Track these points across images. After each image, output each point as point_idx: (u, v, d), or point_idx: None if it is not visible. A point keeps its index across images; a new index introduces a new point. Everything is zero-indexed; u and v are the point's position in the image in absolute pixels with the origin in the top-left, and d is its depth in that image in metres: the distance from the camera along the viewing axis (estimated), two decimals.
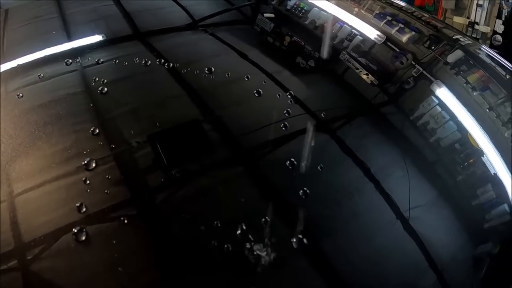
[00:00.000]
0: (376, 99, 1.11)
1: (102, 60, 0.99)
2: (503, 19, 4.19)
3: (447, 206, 0.90)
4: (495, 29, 4.34)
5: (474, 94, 1.20)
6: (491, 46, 4.46)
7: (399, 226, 0.79)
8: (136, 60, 1.01)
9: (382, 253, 0.75)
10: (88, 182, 0.73)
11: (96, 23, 1.14)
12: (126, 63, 1.01)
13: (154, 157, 0.79)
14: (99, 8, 1.21)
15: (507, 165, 0.99)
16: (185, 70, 1.00)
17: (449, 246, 0.81)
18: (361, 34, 1.32)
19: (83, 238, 0.67)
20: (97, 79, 0.93)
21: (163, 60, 1.00)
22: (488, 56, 1.42)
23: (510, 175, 0.97)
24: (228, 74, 1.04)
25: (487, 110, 1.15)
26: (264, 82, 1.04)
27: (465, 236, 0.86)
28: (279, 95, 1.00)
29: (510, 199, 0.92)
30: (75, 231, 0.67)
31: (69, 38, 1.06)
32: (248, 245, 0.70)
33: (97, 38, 1.05)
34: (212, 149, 0.84)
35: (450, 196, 0.92)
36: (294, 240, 0.73)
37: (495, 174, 0.97)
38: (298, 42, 1.23)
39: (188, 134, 0.85)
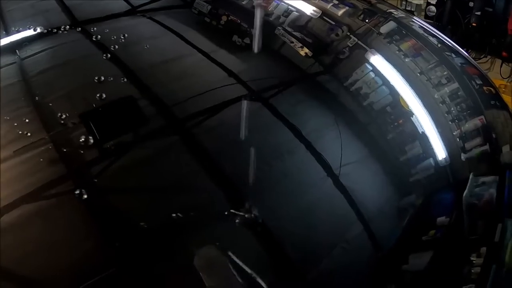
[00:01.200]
0: (311, 69, 1.14)
1: (39, 50, 1.00)
2: None
3: (377, 162, 0.95)
4: (428, 1, 4.52)
5: (406, 60, 1.26)
6: (426, 17, 4.65)
7: (330, 183, 0.83)
8: (74, 47, 1.03)
9: (312, 208, 0.79)
10: (26, 164, 0.75)
11: (34, 18, 1.13)
12: (64, 51, 1.03)
13: (88, 134, 0.79)
14: (37, 4, 1.20)
15: (435, 123, 1.05)
16: (122, 52, 1.00)
17: (377, 199, 0.86)
18: (297, 10, 1.36)
19: (24, 217, 0.68)
20: (34, 68, 0.95)
21: (100, 44, 1.01)
22: (420, 27, 1.48)
23: (437, 132, 1.03)
24: (164, 54, 1.05)
25: (418, 74, 1.21)
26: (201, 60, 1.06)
27: (392, 189, 0.91)
28: (214, 71, 1.02)
29: (435, 154, 0.98)
30: (16, 210, 0.68)
31: (8, 34, 1.05)
32: (183, 211, 0.71)
33: (35, 31, 1.04)
34: (146, 121, 0.86)
35: (380, 153, 0.97)
36: (226, 202, 0.76)
37: (423, 132, 1.03)
38: (234, 20, 1.24)
39: (120, 110, 0.87)
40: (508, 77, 4.26)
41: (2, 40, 1.01)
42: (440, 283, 0.76)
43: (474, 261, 0.77)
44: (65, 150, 0.80)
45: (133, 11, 1.21)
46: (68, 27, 1.06)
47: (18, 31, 1.05)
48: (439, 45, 1.44)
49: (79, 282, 0.62)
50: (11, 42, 1.02)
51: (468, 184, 0.91)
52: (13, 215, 0.69)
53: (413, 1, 4.75)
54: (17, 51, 0.98)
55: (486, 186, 0.91)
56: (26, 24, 1.06)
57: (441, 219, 0.85)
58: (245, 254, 0.69)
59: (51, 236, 0.68)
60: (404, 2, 4.85)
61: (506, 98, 3.80)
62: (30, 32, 1.03)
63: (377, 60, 1.21)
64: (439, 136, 1.04)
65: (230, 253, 0.67)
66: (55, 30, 1.04)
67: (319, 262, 0.73)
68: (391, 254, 0.79)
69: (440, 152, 1.01)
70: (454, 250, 0.82)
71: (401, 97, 1.11)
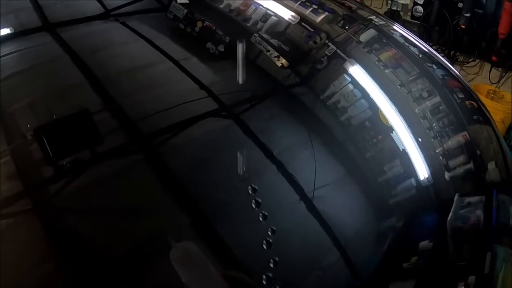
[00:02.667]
0: (286, 81, 1.12)
1: (6, 53, 0.98)
2: None
3: (354, 183, 0.92)
4: (415, 1, 4.54)
5: (386, 71, 1.24)
6: (413, 18, 4.67)
7: (302, 207, 0.80)
8: (41, 51, 1.01)
9: (283, 234, 0.75)
10: None
11: (5, 17, 1.10)
12: (30, 55, 1.01)
13: (43, 150, 0.77)
14: (10, 3, 1.17)
15: (416, 140, 1.03)
16: (90, 59, 1.00)
17: (354, 223, 0.83)
18: (276, 15, 1.34)
19: None
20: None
21: (69, 49, 1.01)
22: (401, 36, 1.48)
23: (418, 150, 1.00)
24: (133, 62, 1.04)
25: (399, 87, 1.19)
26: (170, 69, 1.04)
27: (370, 212, 0.88)
28: (183, 82, 1.00)
29: (417, 173, 0.96)
30: None
31: None
32: (146, 233, 0.70)
33: (4, 31, 1.03)
34: (104, 137, 0.83)
35: (357, 173, 0.94)
36: (190, 226, 0.74)
37: (404, 149, 1.00)
38: (209, 27, 1.23)
39: (78, 124, 0.84)
40: (497, 82, 4.29)
41: None
42: None
43: None
44: (23, 165, 0.78)
45: (106, 15, 1.19)
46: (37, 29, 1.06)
47: None
48: (420, 55, 1.43)
49: None
50: None
51: (453, 206, 0.89)
52: None
53: (399, 1, 4.78)
54: None
55: (472, 207, 0.88)
56: None
57: (423, 244, 0.82)
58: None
59: (6, 257, 0.65)
60: (389, 2, 4.88)
61: (493, 104, 3.85)
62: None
63: (356, 71, 1.19)
64: (421, 154, 1.01)
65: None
66: (25, 32, 1.04)
67: None
68: (369, 282, 0.77)
69: (422, 171, 0.98)
70: (438, 278, 0.79)
71: (381, 111, 1.09)
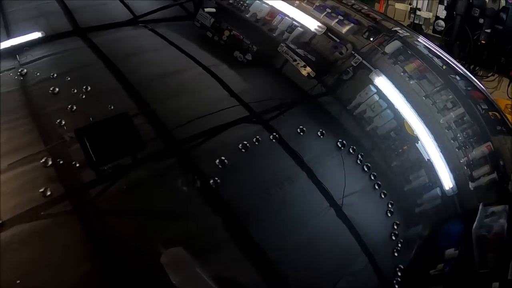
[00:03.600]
0: (314, 90, 1.13)
1: (39, 56, 1.00)
2: (445, 4, 4.41)
3: (381, 192, 0.93)
4: (437, 15, 4.54)
5: (411, 82, 1.26)
6: (434, 32, 4.66)
7: (332, 214, 0.82)
8: (74, 56, 1.03)
9: (314, 240, 0.78)
10: (21, 178, 0.74)
11: (36, 20, 1.14)
12: (63, 59, 1.02)
13: (85, 153, 0.79)
14: (41, 6, 1.20)
15: (441, 151, 1.05)
16: (122, 65, 1.02)
17: (381, 230, 0.85)
18: (302, 26, 1.36)
19: (18, 237, 0.68)
20: (33, 76, 0.94)
21: (101, 54, 1.02)
22: (426, 47, 1.49)
23: (443, 160, 1.02)
24: (164, 68, 1.05)
25: (424, 98, 1.21)
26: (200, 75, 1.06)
27: (397, 220, 0.89)
28: (213, 88, 1.02)
29: (442, 183, 0.97)
30: (11, 230, 0.67)
31: (9, 36, 1.05)
32: (182, 238, 0.72)
33: (36, 35, 1.05)
34: (143, 142, 0.85)
35: (384, 182, 0.95)
36: (224, 228, 0.75)
37: (429, 159, 1.02)
38: (237, 35, 1.24)
39: (118, 128, 0.86)
40: None
41: (3, 43, 1.01)
42: None
43: None
44: (61, 166, 0.79)
45: (135, 21, 1.22)
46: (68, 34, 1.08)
47: (20, 35, 1.05)
48: (444, 67, 1.44)
49: None
50: (12, 45, 1.01)
51: (478, 215, 0.91)
52: (9, 233, 0.68)
53: (421, 15, 4.78)
54: (17, 56, 0.98)
55: (496, 216, 0.90)
56: (28, 27, 1.07)
57: (449, 252, 0.84)
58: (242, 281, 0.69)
59: (47, 256, 0.68)
60: (412, 15, 4.87)
61: (511, 119, 3.80)
62: (31, 36, 1.03)
63: (382, 82, 1.21)
64: (445, 164, 1.03)
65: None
66: (56, 36, 1.06)
67: None
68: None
69: (447, 181, 1.00)
70: (463, 284, 0.81)
71: (406, 121, 1.10)
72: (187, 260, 0.67)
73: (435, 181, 0.99)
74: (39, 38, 1.04)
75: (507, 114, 3.85)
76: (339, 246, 0.80)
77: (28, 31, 1.05)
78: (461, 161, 1.07)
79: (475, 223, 0.88)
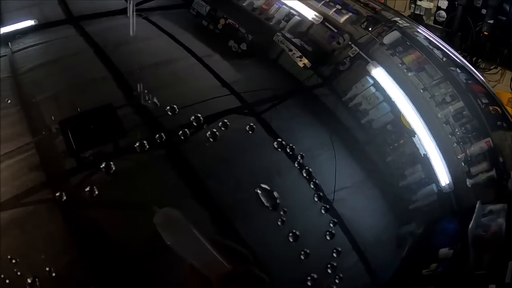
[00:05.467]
0: (309, 81, 1.11)
1: (31, 44, 0.99)
2: None
3: (374, 187, 0.92)
4: (438, 5, 4.55)
5: (409, 74, 1.23)
6: (435, 22, 4.67)
7: (321, 209, 0.80)
8: (65, 44, 1.02)
9: (302, 236, 0.75)
10: (5, 170, 0.73)
11: (30, 9, 1.13)
12: (55, 47, 1.02)
13: (67, 143, 0.79)
14: None
15: (438, 145, 1.02)
16: (113, 53, 1.00)
17: (373, 227, 0.83)
18: (299, 15, 1.33)
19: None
20: (24, 64, 0.94)
21: (93, 43, 1.01)
22: (426, 38, 1.46)
23: (440, 155, 1.00)
24: (156, 57, 1.04)
25: (422, 90, 1.18)
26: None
27: (390, 217, 0.88)
28: (205, 78, 1.00)
29: (438, 179, 0.95)
30: None
31: (1, 25, 1.03)
32: None
33: (29, 23, 1.04)
34: (129, 131, 0.84)
35: (378, 177, 0.94)
36: (211, 224, 0.75)
37: (426, 154, 1.00)
38: (232, 24, 1.22)
39: (101, 118, 0.85)
40: None
41: None
42: None
43: None
44: (47, 157, 0.80)
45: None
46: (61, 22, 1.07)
47: (13, 23, 1.04)
48: (444, 59, 1.42)
49: None
50: (4, 33, 1.00)
51: (475, 213, 0.89)
52: None
53: (422, 5, 4.79)
54: (9, 43, 0.97)
55: (494, 215, 0.88)
56: (21, 16, 1.06)
57: (443, 251, 0.82)
58: None
59: (28, 246, 0.68)
60: (413, 5, 4.88)
61: None
62: (23, 24, 1.02)
63: (379, 74, 1.18)
64: (442, 160, 1.00)
65: None
66: (49, 24, 1.05)
67: None
68: (388, 287, 0.77)
69: (444, 177, 0.97)
70: (458, 286, 0.79)
71: (403, 115, 1.08)
72: (181, 220, 0.64)
73: (431, 177, 0.97)
74: (31, 26, 1.03)
75: (510, 108, 3.86)
76: (328, 243, 0.78)
77: (20, 19, 1.05)
78: (459, 157, 1.04)
79: (472, 221, 0.86)
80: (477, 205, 0.91)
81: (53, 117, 0.83)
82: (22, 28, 1.01)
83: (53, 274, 0.66)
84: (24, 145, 0.78)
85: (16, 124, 0.83)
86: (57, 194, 0.73)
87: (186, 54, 1.09)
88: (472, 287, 0.79)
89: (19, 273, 0.66)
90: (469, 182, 0.98)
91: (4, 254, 0.66)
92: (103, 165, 0.77)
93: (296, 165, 0.85)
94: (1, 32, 1.01)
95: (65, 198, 0.73)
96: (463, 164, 1.03)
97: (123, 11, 1.19)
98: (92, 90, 0.93)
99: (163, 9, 1.29)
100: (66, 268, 0.68)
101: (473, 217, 0.87)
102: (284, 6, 1.33)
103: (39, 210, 0.73)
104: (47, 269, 0.66)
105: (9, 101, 0.87)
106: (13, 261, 0.67)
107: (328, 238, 0.78)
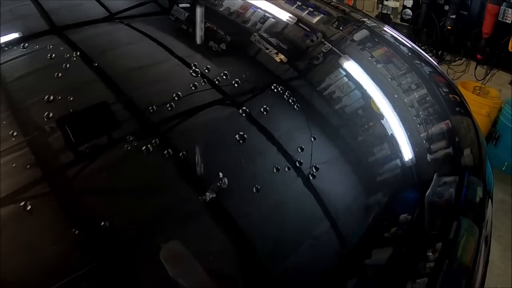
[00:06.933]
0: (285, 75, 1.17)
1: (17, 55, 0.99)
2: None
3: (346, 163, 0.98)
4: (404, 4, 4.66)
5: (378, 66, 1.30)
6: (402, 20, 4.78)
7: (299, 183, 0.86)
8: (50, 52, 1.01)
9: (281, 207, 0.81)
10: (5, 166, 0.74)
11: (12, 23, 1.13)
12: (40, 56, 1.02)
13: (64, 139, 0.82)
14: (16, 9, 1.19)
15: (404, 126, 1.10)
16: (99, 58, 1.01)
17: (345, 198, 0.89)
18: (274, 17, 1.39)
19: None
20: (11, 73, 0.95)
21: (77, 50, 1.02)
22: (392, 36, 1.54)
23: (405, 134, 1.08)
24: (140, 60, 1.07)
25: (390, 79, 1.26)
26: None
27: (359, 189, 0.94)
28: (188, 74, 1.03)
29: (403, 155, 1.03)
30: None
31: None
32: (154, 210, 0.75)
33: (13, 36, 1.05)
34: (120, 124, 0.87)
35: (350, 154, 1.01)
36: (201, 199, 0.78)
37: (392, 134, 1.07)
38: (211, 27, 1.27)
39: (96, 114, 0.88)
40: (483, 79, 4.40)
41: None
42: (397, 277, 0.80)
43: (429, 256, 0.81)
44: (41, 153, 0.81)
45: (110, 18, 1.22)
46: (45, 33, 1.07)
47: None
48: (409, 54, 1.49)
49: (55, 281, 0.64)
50: None
51: (432, 184, 0.96)
52: None
53: (389, 4, 4.89)
54: None
55: (447, 185, 0.96)
56: (4, 30, 1.06)
57: (403, 217, 0.89)
58: (211, 249, 0.72)
59: (26, 238, 0.69)
60: (380, 6, 4.97)
61: (479, 99, 3.94)
62: (8, 37, 1.03)
63: (350, 66, 1.25)
64: (407, 138, 1.08)
65: (195, 248, 0.70)
66: (34, 35, 1.05)
67: (286, 258, 0.76)
68: (355, 249, 0.82)
69: (408, 153, 1.05)
70: (412, 246, 0.86)
71: (373, 100, 1.15)
72: (185, 255, 0.69)
73: (396, 153, 1.04)
74: (15, 39, 1.04)
75: (475, 95, 3.99)
76: (304, 213, 0.84)
77: (5, 33, 1.05)
78: (421, 136, 1.12)
79: (429, 190, 0.94)
80: (434, 177, 0.99)
81: (45, 118, 0.83)
82: (6, 41, 1.02)
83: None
84: (17, 144, 0.79)
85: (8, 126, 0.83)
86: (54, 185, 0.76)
87: (168, 55, 1.11)
88: (424, 246, 0.85)
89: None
90: (429, 157, 1.06)
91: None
92: (97, 156, 0.81)
93: (275, 146, 0.92)
94: None
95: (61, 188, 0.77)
96: (424, 142, 1.10)
97: (105, 20, 1.23)
98: (83, 92, 0.94)
99: (144, 16, 1.31)
100: (63, 255, 0.69)
101: (430, 186, 0.95)
102: (259, 9, 1.38)
103: (36, 204, 0.73)
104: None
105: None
106: None
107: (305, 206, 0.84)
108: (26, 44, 1.03)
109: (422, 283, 0.78)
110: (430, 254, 0.82)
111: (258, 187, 0.81)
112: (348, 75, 1.22)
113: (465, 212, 0.95)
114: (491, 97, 4.14)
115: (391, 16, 5.05)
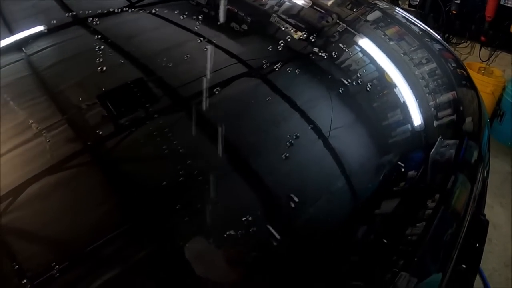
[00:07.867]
0: (305, 50, 1.22)
1: (45, 46, 1.01)
2: None
3: (362, 127, 1.07)
4: None
5: (391, 43, 1.38)
6: (410, 6, 4.81)
7: (320, 144, 0.94)
8: (79, 42, 1.05)
9: (302, 165, 0.89)
10: (47, 142, 0.79)
11: (36, 17, 1.14)
12: (68, 46, 1.04)
13: (104, 113, 0.86)
14: (38, 4, 1.21)
15: (414, 95, 1.19)
16: (126, 44, 1.04)
17: (359, 157, 0.97)
18: (290, 1, 1.46)
19: (46, 187, 0.73)
20: (42, 62, 0.97)
21: (104, 38, 1.03)
22: (403, 17, 1.61)
23: (415, 102, 1.17)
24: (167, 42, 1.11)
25: (402, 55, 1.33)
26: (205, 46, 1.11)
27: (373, 149, 1.02)
28: (217, 53, 1.08)
29: (413, 120, 1.12)
30: (39, 182, 0.73)
31: (12, 34, 1.06)
32: (193, 176, 0.79)
33: (39, 29, 1.06)
34: (157, 100, 0.91)
35: (365, 119, 1.09)
36: (223, 162, 0.85)
37: (404, 101, 1.16)
38: (231, 10, 1.31)
39: (133, 90, 0.92)
40: (487, 60, 4.45)
41: (6, 40, 1.01)
42: (399, 223, 0.90)
43: (428, 205, 0.93)
44: (81, 128, 0.84)
45: (131, 6, 1.21)
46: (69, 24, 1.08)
47: (22, 30, 1.05)
48: (420, 32, 1.55)
49: (98, 239, 0.69)
50: (16, 40, 1.02)
51: (435, 145, 1.06)
52: (35, 186, 0.73)
53: None
54: (23, 48, 0.99)
55: (449, 147, 1.07)
56: (30, 23, 1.07)
57: (411, 173, 0.98)
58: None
59: (72, 202, 0.73)
60: None
61: (484, 78, 3.98)
62: (34, 30, 1.04)
63: (365, 42, 1.32)
64: (417, 106, 1.16)
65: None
66: (58, 27, 1.06)
67: (306, 211, 0.82)
68: (367, 202, 0.90)
69: (417, 119, 1.13)
70: (416, 197, 0.96)
71: (386, 72, 1.23)
72: (208, 252, 0.71)
73: (407, 118, 1.12)
74: (42, 31, 1.05)
75: (480, 75, 4.01)
76: (323, 171, 0.92)
77: (30, 27, 1.07)
78: (430, 104, 1.20)
79: (433, 150, 1.05)
80: (438, 140, 1.09)
81: (80, 98, 0.86)
82: (33, 34, 1.04)
83: None
84: (57, 122, 0.82)
85: (46, 108, 0.87)
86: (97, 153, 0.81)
87: (194, 36, 1.14)
88: (425, 197, 0.96)
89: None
90: (435, 123, 1.15)
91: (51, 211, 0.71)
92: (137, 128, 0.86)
93: (298, 112, 1.00)
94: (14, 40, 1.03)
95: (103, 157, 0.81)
96: (432, 110, 1.19)
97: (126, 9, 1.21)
98: (115, 74, 0.97)
99: (164, 2, 1.33)
100: (105, 216, 0.73)
101: (434, 147, 1.06)
102: None
103: (80, 172, 0.77)
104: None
105: (35, 92, 0.90)
106: None
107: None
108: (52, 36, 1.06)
109: (420, 227, 0.88)
110: (430, 202, 0.93)
111: (282, 148, 0.89)
112: (363, 50, 1.29)
113: (462, 169, 1.07)
114: (495, 76, 4.18)
115: (400, 2, 5.10)
